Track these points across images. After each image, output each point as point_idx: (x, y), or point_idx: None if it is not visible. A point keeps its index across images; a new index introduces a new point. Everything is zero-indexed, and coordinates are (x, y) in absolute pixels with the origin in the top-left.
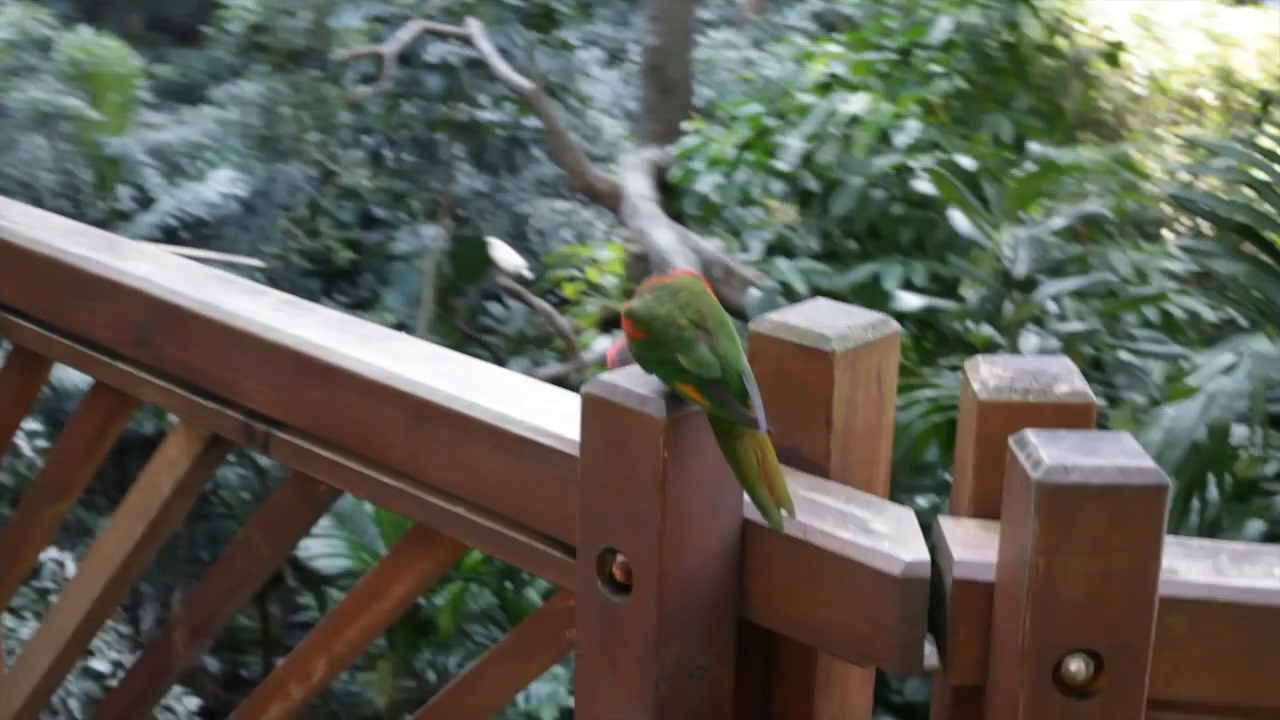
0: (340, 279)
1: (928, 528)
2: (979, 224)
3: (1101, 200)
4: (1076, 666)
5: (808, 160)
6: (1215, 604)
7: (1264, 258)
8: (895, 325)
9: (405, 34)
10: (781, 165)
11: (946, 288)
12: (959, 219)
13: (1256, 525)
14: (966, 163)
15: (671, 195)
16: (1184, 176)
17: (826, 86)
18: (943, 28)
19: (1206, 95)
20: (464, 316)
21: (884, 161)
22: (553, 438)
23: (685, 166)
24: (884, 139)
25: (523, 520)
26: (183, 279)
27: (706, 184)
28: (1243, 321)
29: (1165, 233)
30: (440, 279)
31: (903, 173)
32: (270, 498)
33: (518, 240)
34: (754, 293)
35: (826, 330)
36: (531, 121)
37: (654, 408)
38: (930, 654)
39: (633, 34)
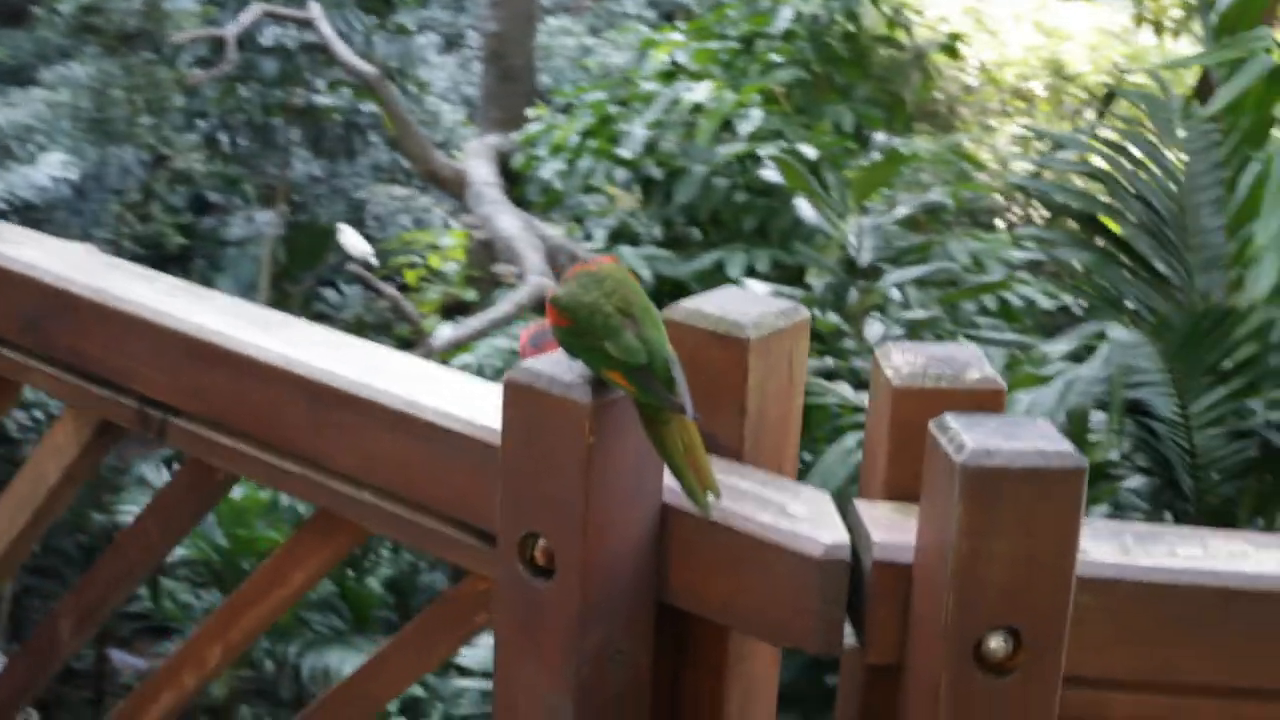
0: (172, 264)
1: (842, 511)
2: (824, 213)
3: (942, 190)
4: (996, 644)
5: (651, 148)
6: (1124, 583)
7: (1107, 246)
8: (805, 312)
9: (246, 17)
10: (624, 153)
11: (789, 275)
12: (805, 208)
13: (1101, 509)
14: (809, 152)
15: (515, 182)
16: (1019, 166)
17: (669, 75)
18: (784, 17)
19: (1037, 87)
20: (299, 302)
21: (728, 150)
22: (462, 423)
23: (528, 153)
24: (727, 127)
25: (431, 506)
26: (72, 265)
27: (549, 171)
28: (1077, 310)
29: (998, 222)
30: (275, 265)
31: (746, 161)
32: (165, 485)
33: (356, 226)
34: None
35: (740, 318)
36: (369, 107)
37: (579, 393)
38: (847, 635)
39: (469, 20)
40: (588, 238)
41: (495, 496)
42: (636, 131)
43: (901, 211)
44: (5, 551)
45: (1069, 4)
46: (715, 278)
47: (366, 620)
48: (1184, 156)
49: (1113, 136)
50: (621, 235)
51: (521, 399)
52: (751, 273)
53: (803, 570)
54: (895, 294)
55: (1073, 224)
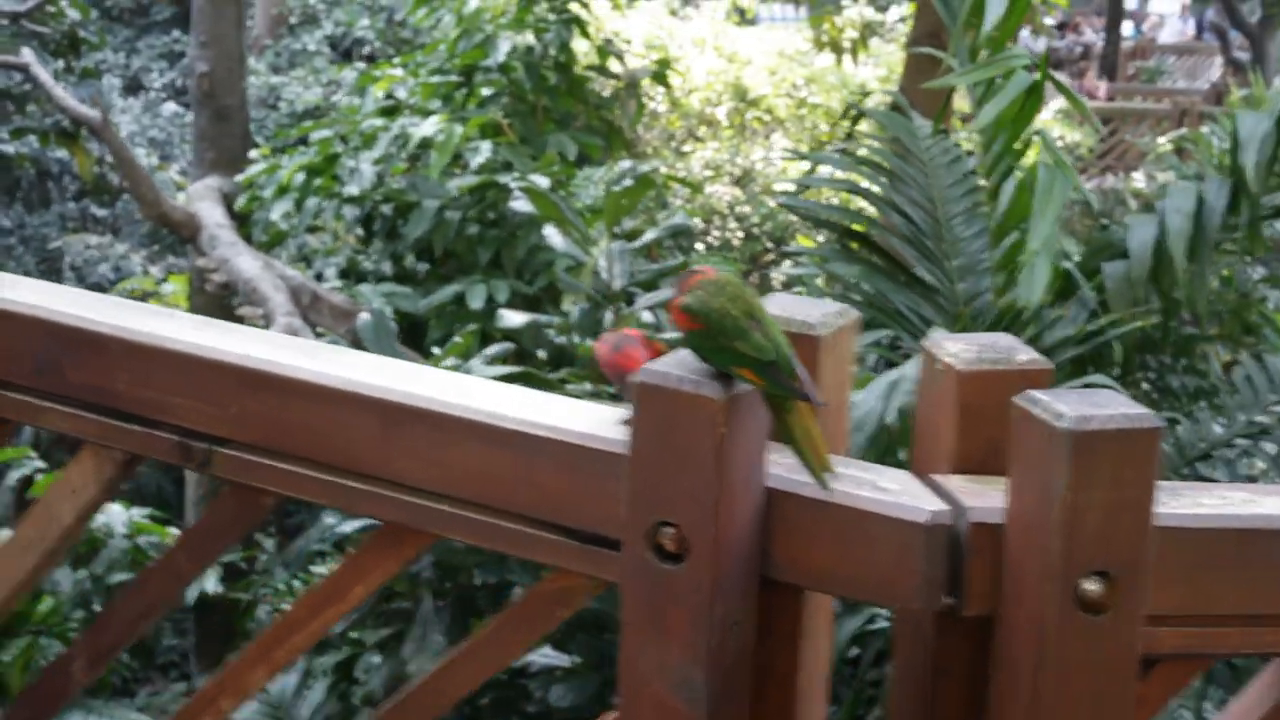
0: None
1: None
2: (575, 239)
3: (683, 214)
4: (1092, 586)
5: (379, 183)
6: (1171, 530)
7: (872, 258)
8: (855, 313)
9: None
10: (352, 190)
11: (528, 304)
12: (554, 236)
13: None
14: (541, 181)
15: (240, 223)
16: (779, 186)
17: (391, 110)
18: (502, 50)
19: (721, 112)
20: None
21: (460, 183)
22: (546, 429)
23: (253, 194)
24: (455, 160)
25: (512, 509)
26: (87, 305)
27: (277, 211)
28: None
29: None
30: None
31: (477, 193)
32: (203, 515)
33: (52, 277)
34: (365, 317)
35: (808, 318)
36: (60, 154)
37: (711, 390)
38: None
39: (142, 61)
40: (318, 277)
41: (584, 495)
42: (364, 168)
43: (651, 235)
44: (8, 596)
45: (745, 29)
46: (454, 311)
47: None
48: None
49: (867, 154)
50: (351, 273)
51: (653, 398)
52: (491, 303)
53: (909, 536)
54: (648, 316)
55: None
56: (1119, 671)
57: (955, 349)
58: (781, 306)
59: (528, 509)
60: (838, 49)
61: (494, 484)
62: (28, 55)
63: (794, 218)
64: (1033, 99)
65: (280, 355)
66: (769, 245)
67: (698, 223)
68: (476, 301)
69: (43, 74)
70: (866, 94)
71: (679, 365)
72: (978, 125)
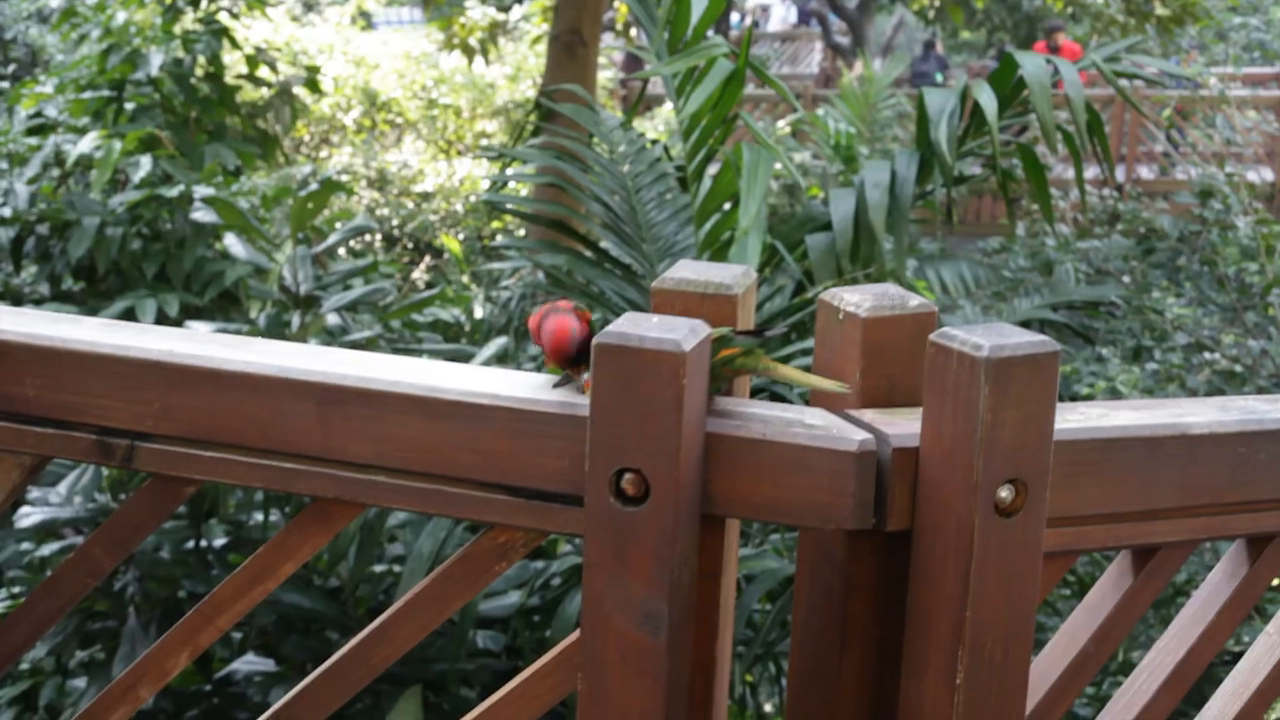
0: None
1: None
2: (259, 247)
3: (365, 216)
4: (1006, 493)
5: (33, 203)
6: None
7: (577, 248)
8: (754, 273)
9: None
10: (3, 212)
11: (200, 315)
12: (237, 244)
13: None
14: (203, 191)
15: None
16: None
17: (42, 129)
18: (153, 63)
19: (351, 117)
20: None
21: (124, 198)
22: (488, 397)
23: None
24: (112, 177)
25: (455, 474)
26: None
27: None
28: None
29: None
30: None
31: (138, 208)
32: (121, 507)
33: None
34: None
35: (724, 279)
36: None
37: (671, 345)
38: None
39: None
40: None
41: (529, 455)
42: (18, 188)
43: (335, 239)
44: None
45: (366, 34)
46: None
47: None
48: (622, 160)
49: (569, 145)
50: (11, 297)
51: (615, 356)
52: (161, 317)
53: (843, 464)
54: (335, 319)
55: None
56: (1028, 567)
57: (854, 299)
58: (694, 271)
59: (471, 473)
60: (467, 50)
61: (436, 453)
62: None
63: (433, 219)
64: (733, 86)
65: (207, 350)
66: (409, 246)
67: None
68: (147, 317)
69: None
70: (550, 92)
71: (635, 325)
72: (683, 113)
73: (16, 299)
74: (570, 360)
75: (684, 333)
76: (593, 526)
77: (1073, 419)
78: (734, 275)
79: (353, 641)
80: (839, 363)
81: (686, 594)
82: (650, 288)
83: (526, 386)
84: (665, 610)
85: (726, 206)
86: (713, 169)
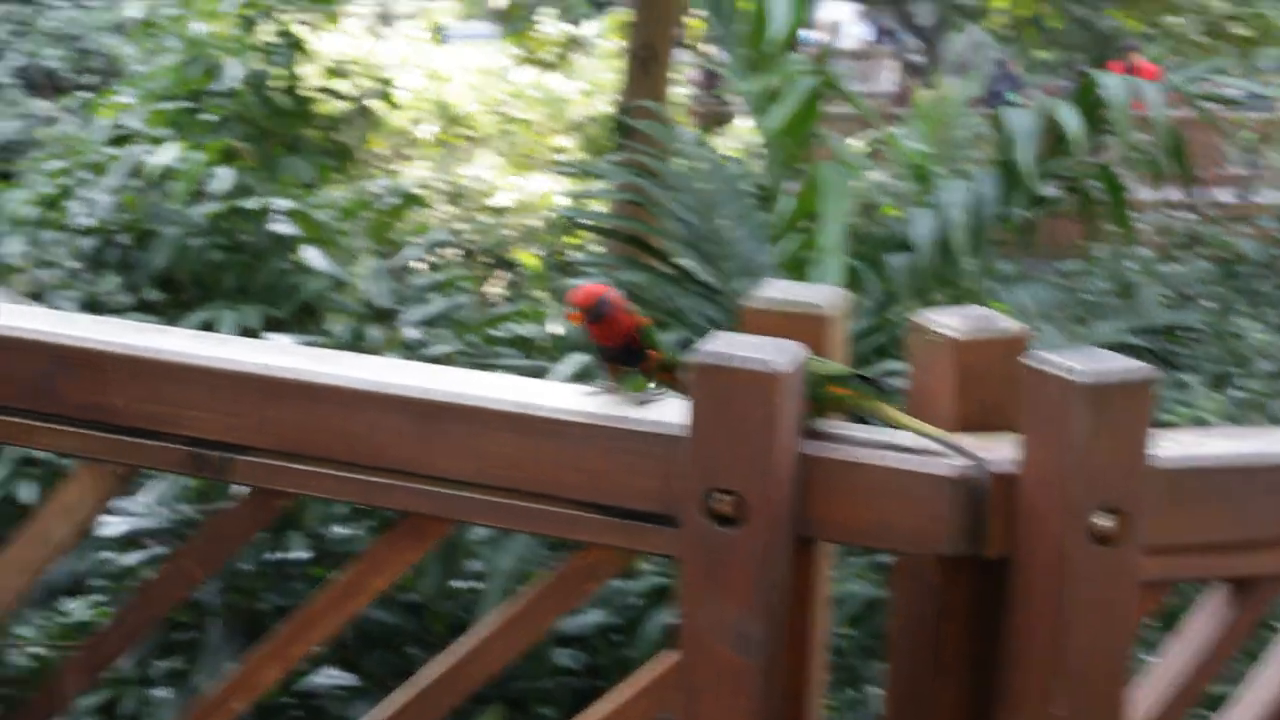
0: None
1: None
2: (338, 260)
3: (442, 230)
4: (1104, 520)
5: (114, 214)
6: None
7: (656, 264)
8: (846, 294)
9: None
10: (89, 221)
11: (281, 327)
12: (316, 257)
13: None
14: (282, 204)
15: None
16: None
17: (121, 139)
18: (231, 75)
19: (428, 130)
20: None
21: (205, 209)
22: (583, 415)
23: None
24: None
25: (548, 492)
26: (84, 325)
27: (8, 247)
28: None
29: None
30: None
31: (219, 219)
32: (212, 520)
33: None
34: None
35: (814, 300)
36: None
37: (768, 365)
38: None
39: None
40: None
41: (622, 474)
42: (99, 198)
43: (413, 253)
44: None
45: (440, 47)
46: None
47: None
48: (702, 177)
49: (646, 162)
50: (93, 306)
51: (711, 376)
52: (242, 329)
53: (941, 489)
54: (414, 333)
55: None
56: (1124, 596)
57: (947, 321)
58: (784, 292)
59: (563, 491)
60: (543, 64)
61: (529, 470)
62: None
63: (509, 233)
64: (814, 103)
65: (301, 363)
66: (485, 260)
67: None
68: (227, 328)
69: None
70: (626, 108)
71: (732, 344)
72: (763, 130)
73: (98, 308)
74: (616, 354)
75: (781, 354)
76: (687, 547)
77: (1168, 446)
78: (826, 297)
79: (442, 659)
80: (933, 385)
81: (780, 617)
82: (739, 307)
83: (618, 405)
84: (760, 632)
85: (806, 224)
86: (791, 186)
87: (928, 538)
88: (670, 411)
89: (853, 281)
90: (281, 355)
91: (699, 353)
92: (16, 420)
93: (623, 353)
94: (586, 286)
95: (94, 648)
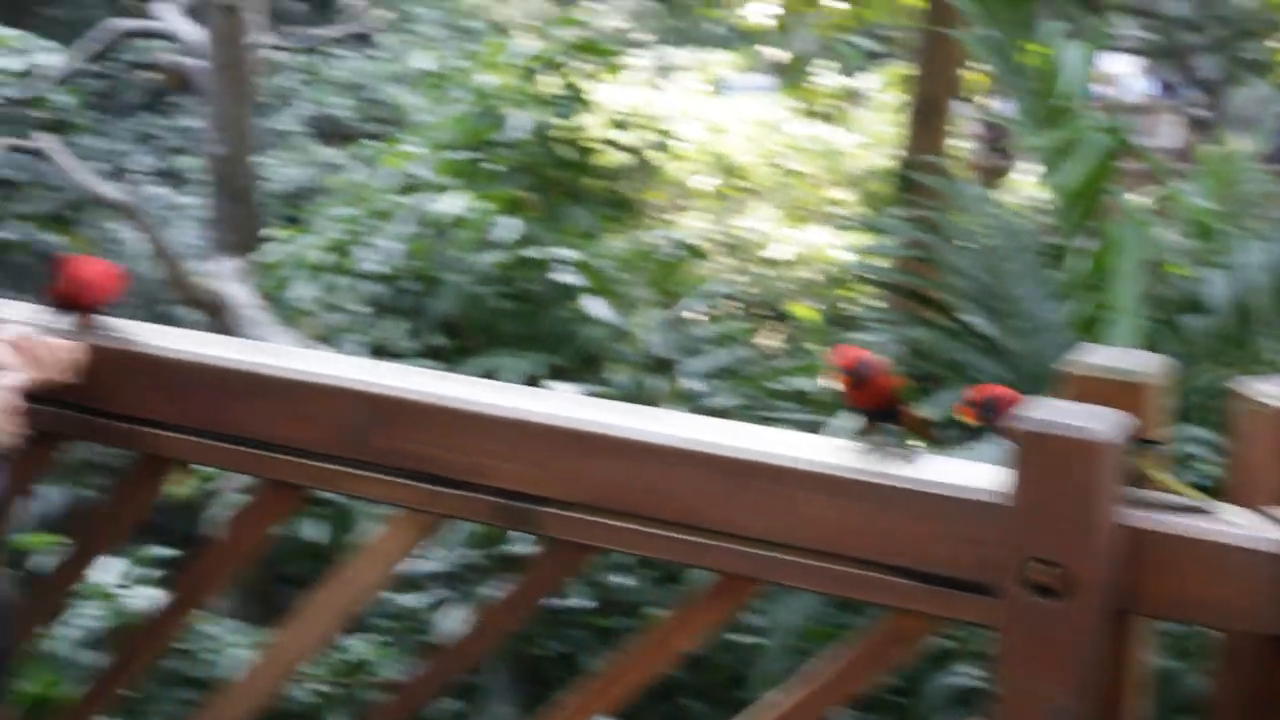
0: None
1: None
2: (618, 310)
3: (720, 282)
4: None
5: (400, 261)
6: None
7: (940, 320)
8: (1164, 359)
9: None
10: (378, 267)
11: (562, 376)
12: (599, 306)
13: None
14: (568, 254)
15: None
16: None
17: (409, 187)
18: (516, 125)
19: (707, 181)
20: None
21: (488, 257)
22: (900, 480)
23: (275, 274)
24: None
25: (859, 555)
26: (397, 375)
27: (299, 290)
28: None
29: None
30: None
31: (503, 267)
32: (531, 572)
33: None
34: None
35: (1134, 366)
36: (54, 238)
37: (1096, 434)
38: None
39: (114, 144)
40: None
41: (940, 541)
42: (390, 245)
43: (692, 304)
44: (302, 658)
45: (716, 98)
46: None
47: None
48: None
49: (929, 216)
50: (378, 350)
51: (1039, 445)
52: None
53: (1267, 565)
54: (694, 384)
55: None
56: None
57: (1270, 390)
58: (1107, 358)
59: (874, 555)
60: (820, 117)
61: (840, 532)
62: (44, 140)
63: (785, 286)
64: (1108, 160)
65: (611, 417)
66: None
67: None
68: (513, 376)
69: (65, 159)
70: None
71: (1057, 412)
72: (1055, 187)
73: (383, 352)
74: (878, 411)
75: (1108, 423)
76: (1007, 618)
77: None
78: (1149, 364)
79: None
80: (1256, 456)
81: (1098, 692)
82: (1026, 364)
83: (944, 470)
84: (1079, 708)
85: (1097, 283)
86: (1082, 243)
87: (1260, 616)
88: (981, 476)
89: (1148, 343)
90: (590, 409)
91: (1023, 420)
92: (331, 467)
93: (880, 412)
94: (848, 350)
95: (406, 697)
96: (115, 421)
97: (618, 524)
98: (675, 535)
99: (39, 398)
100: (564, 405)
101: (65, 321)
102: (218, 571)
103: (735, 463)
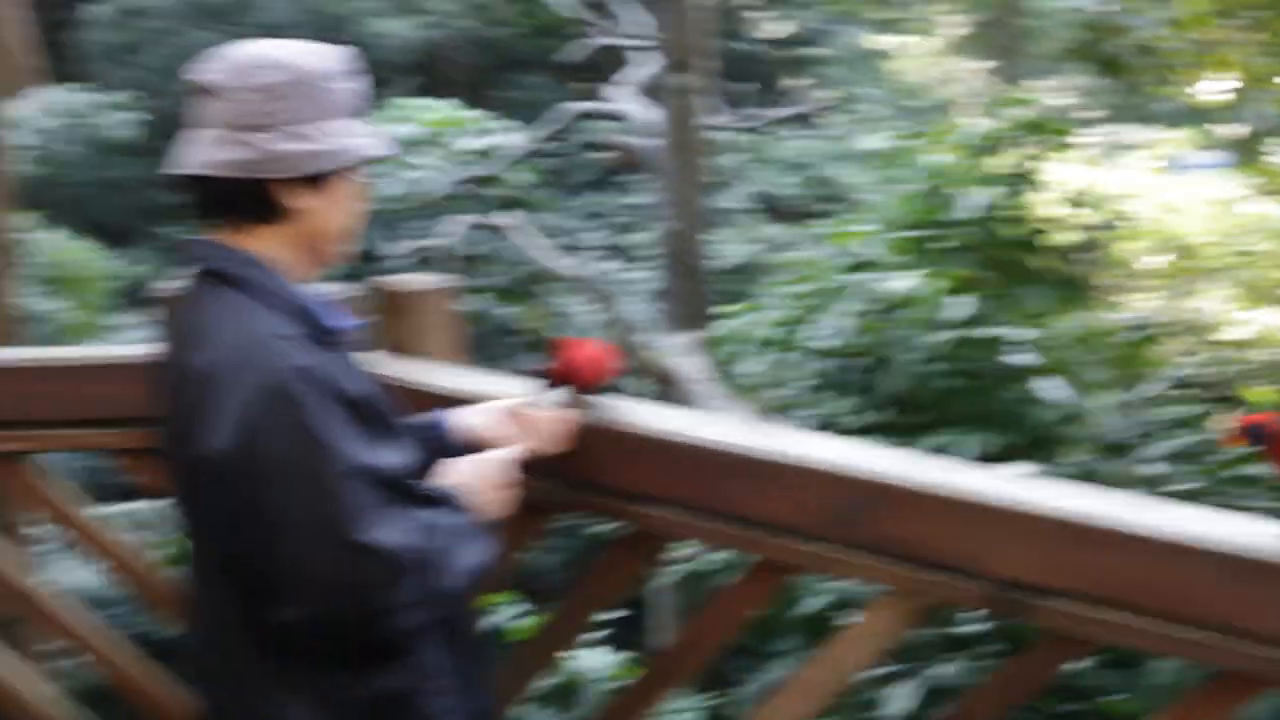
0: None
1: None
2: (1077, 391)
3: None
4: None
5: (850, 338)
6: None
7: None
8: None
9: (458, 228)
10: (824, 344)
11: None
12: (1054, 387)
13: None
14: (1016, 334)
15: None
16: None
17: (858, 266)
18: (966, 205)
19: (1157, 260)
20: None
21: (938, 336)
22: None
23: (724, 349)
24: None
25: None
26: (884, 460)
27: (749, 365)
28: None
29: None
30: None
31: (954, 346)
32: (1013, 662)
33: None
34: None
35: None
36: (507, 310)
37: None
38: None
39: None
40: None
41: None
42: (840, 322)
43: (1155, 388)
44: None
45: (1174, 176)
46: None
47: None
48: None
49: None
50: (828, 424)
51: None
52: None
53: None
54: (1151, 469)
55: None
56: None
57: None
58: None
59: None
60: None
61: None
62: (515, 218)
63: (1238, 368)
64: None
65: (1113, 509)
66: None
67: None
68: (966, 454)
69: (527, 236)
70: None
71: None
72: None
73: (831, 428)
74: None
75: None
76: None
77: None
78: None
79: None
80: None
81: None
82: None
83: None
84: None
85: None
86: None
87: None
88: None
89: None
90: (1094, 500)
91: None
92: (819, 549)
93: None
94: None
95: None
96: (605, 497)
97: (1114, 618)
98: (1175, 632)
99: (532, 469)
100: (1061, 494)
101: (558, 396)
102: (696, 650)
103: (1243, 560)
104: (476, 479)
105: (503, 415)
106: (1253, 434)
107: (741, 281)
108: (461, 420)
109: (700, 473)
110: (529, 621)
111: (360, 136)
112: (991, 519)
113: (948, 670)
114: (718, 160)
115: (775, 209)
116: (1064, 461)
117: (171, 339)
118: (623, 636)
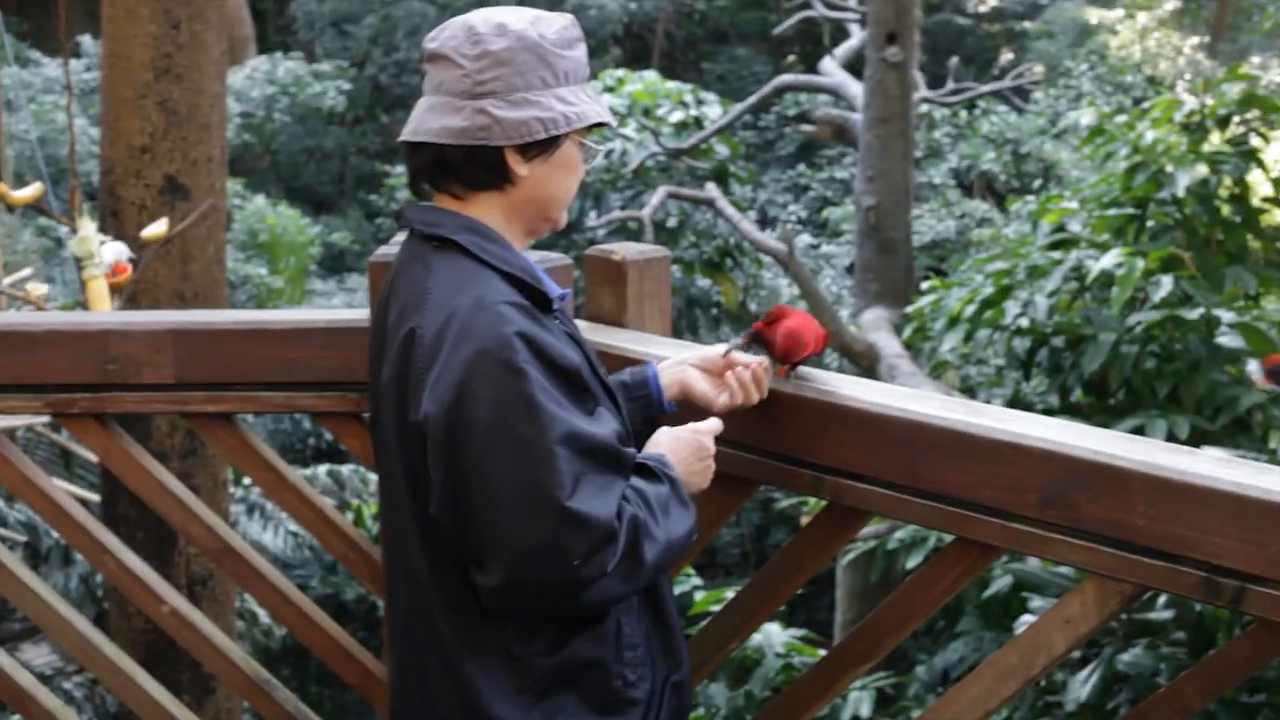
0: None
1: None
2: None
3: None
4: None
5: (1051, 315)
6: None
7: None
8: None
9: (655, 199)
10: (1023, 322)
11: (1209, 441)
12: (1258, 371)
13: None
14: (1225, 315)
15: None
16: None
17: (1062, 243)
18: (1179, 183)
19: None
20: None
21: (1142, 316)
22: None
23: (920, 325)
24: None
25: None
26: (1101, 440)
27: (946, 343)
28: None
29: None
30: None
31: (1156, 327)
32: (1219, 652)
33: None
34: None
35: None
36: (704, 282)
37: None
38: None
39: (767, 195)
40: None
41: None
42: (1038, 300)
43: None
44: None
45: None
46: None
47: None
48: None
49: None
50: (1016, 403)
51: None
52: (1170, 439)
53: None
54: None
55: None
56: None
57: None
58: None
59: None
60: None
61: None
62: (713, 190)
63: None
64: None
65: None
66: None
67: None
68: (1158, 437)
69: (729, 209)
70: None
71: None
72: None
73: (1024, 407)
74: None
75: None
76: None
77: None
78: None
79: None
80: None
81: None
82: None
83: None
84: None
85: None
86: None
87: None
88: None
89: None
90: None
91: None
92: (1026, 529)
93: None
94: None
95: None
96: (807, 470)
97: None
98: None
99: (735, 442)
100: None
101: (760, 358)
102: (889, 630)
103: None
104: (679, 450)
105: (705, 368)
106: (1277, 374)
107: (939, 257)
108: (667, 374)
109: (906, 449)
110: (707, 594)
111: (586, 103)
112: (1207, 505)
113: (1127, 658)
114: (924, 135)
115: (977, 184)
116: (1274, 447)
117: (390, 304)
118: (789, 613)
